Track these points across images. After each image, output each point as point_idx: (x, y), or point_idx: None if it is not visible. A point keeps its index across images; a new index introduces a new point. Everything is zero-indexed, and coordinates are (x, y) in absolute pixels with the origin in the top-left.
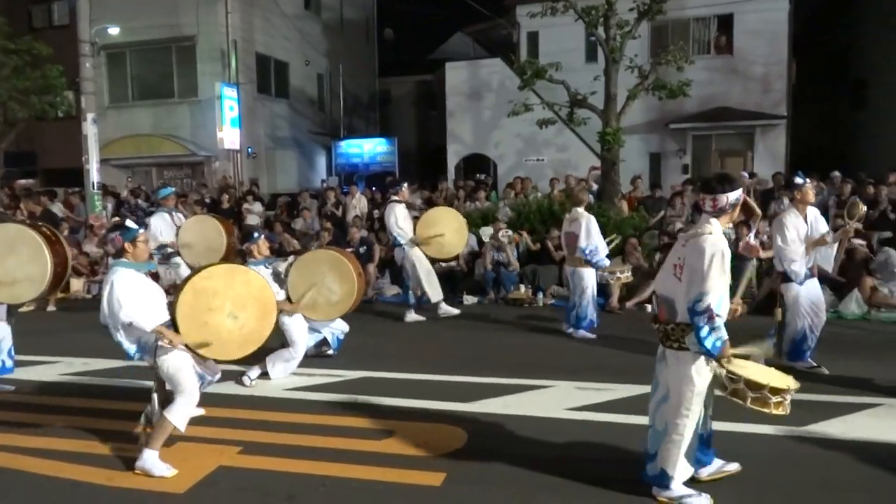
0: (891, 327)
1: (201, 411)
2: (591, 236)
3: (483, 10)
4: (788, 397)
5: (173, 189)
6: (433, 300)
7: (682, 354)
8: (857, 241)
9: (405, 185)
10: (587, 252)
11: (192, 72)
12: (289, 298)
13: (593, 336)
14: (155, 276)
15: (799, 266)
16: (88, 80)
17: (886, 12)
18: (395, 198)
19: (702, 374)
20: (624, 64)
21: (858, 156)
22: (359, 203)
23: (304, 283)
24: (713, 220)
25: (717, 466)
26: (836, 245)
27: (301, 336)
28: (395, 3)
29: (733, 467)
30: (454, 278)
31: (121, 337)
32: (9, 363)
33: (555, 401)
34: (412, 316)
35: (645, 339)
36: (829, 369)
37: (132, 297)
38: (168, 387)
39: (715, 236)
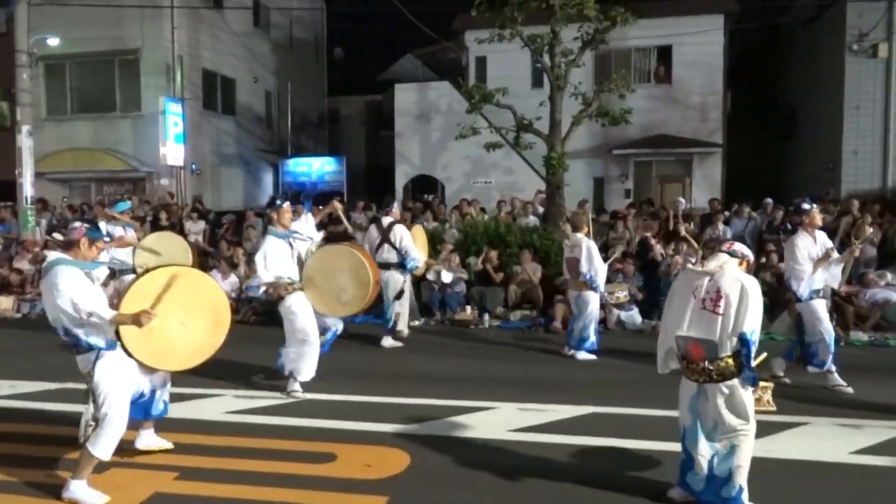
0: None
1: (167, 444)
2: (593, 261)
3: (433, 33)
4: (768, 393)
5: (131, 204)
6: (402, 328)
7: (731, 385)
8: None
9: (395, 203)
10: (589, 277)
11: (135, 85)
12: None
13: (594, 357)
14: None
15: (804, 286)
16: (25, 92)
17: (810, 49)
18: (389, 218)
19: (749, 404)
20: (568, 91)
21: (789, 183)
22: (308, 222)
23: (324, 278)
24: (731, 257)
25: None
26: (842, 265)
27: (309, 322)
28: (346, 23)
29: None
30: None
31: (84, 334)
32: None
33: (498, 422)
34: (389, 341)
35: (587, 362)
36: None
37: (82, 290)
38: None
39: (743, 271)
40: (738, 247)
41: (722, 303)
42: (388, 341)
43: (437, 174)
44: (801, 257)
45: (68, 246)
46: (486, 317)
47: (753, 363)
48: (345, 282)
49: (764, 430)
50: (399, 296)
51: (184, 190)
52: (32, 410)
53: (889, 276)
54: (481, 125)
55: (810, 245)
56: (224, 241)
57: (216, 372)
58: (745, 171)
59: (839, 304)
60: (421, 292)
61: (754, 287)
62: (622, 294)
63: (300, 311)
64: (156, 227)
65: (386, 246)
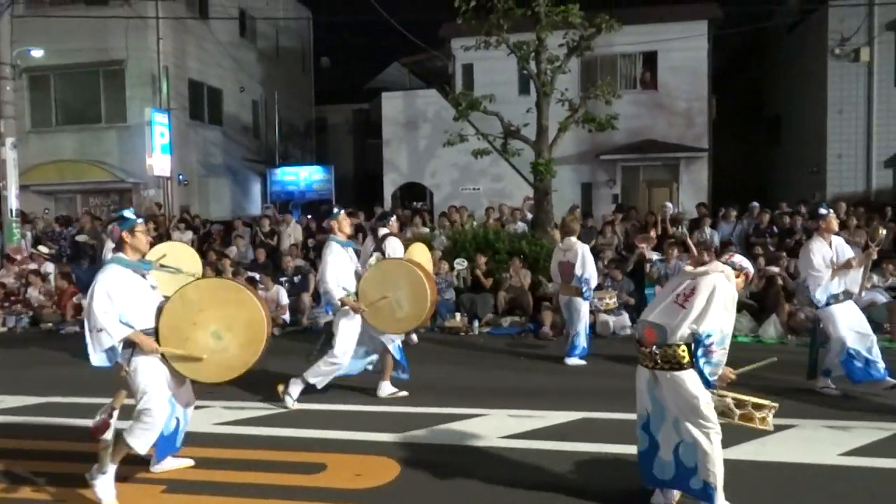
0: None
1: (188, 461)
2: (587, 265)
3: (419, 42)
4: (770, 413)
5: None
6: (413, 336)
7: (677, 375)
8: (773, 269)
9: (394, 217)
10: (583, 281)
11: (120, 97)
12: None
13: (584, 363)
14: None
15: (822, 292)
16: (8, 104)
17: (794, 54)
18: (385, 230)
19: (697, 389)
20: (555, 97)
21: (775, 188)
22: (294, 231)
23: (377, 290)
24: (724, 266)
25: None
26: (861, 269)
27: (349, 343)
28: (332, 32)
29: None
30: None
31: (91, 340)
32: None
33: (488, 429)
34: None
35: (577, 367)
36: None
37: (114, 299)
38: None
39: (727, 278)
40: (738, 259)
41: (691, 298)
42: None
43: (426, 181)
44: (818, 263)
45: (119, 247)
46: (476, 323)
47: (734, 373)
48: (402, 298)
49: (755, 433)
50: None
51: (171, 201)
52: (16, 424)
53: (875, 278)
54: (469, 132)
55: (826, 250)
56: (212, 251)
57: (202, 383)
58: (731, 176)
59: None
60: None
61: (727, 293)
62: (611, 300)
63: (351, 332)
64: None
65: (377, 255)
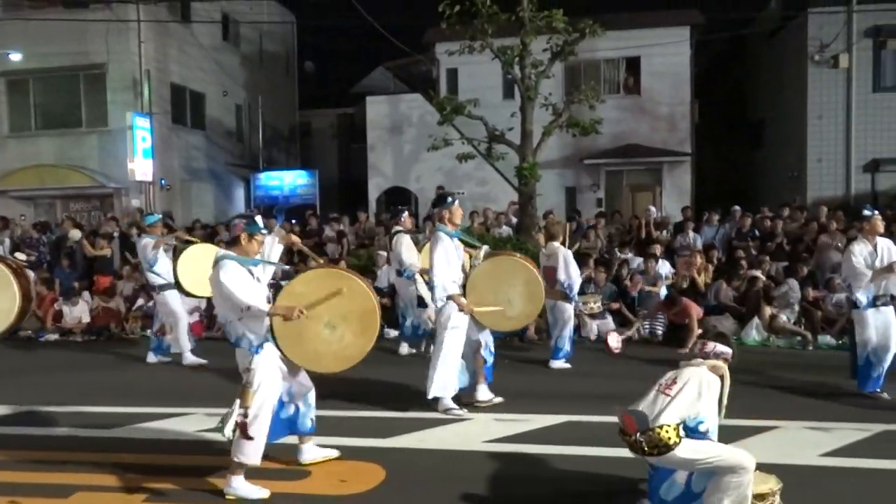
0: (787, 352)
1: (333, 453)
2: (570, 270)
3: (403, 46)
4: (776, 498)
5: (160, 216)
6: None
7: (669, 456)
8: (754, 272)
9: (406, 213)
10: (566, 285)
11: (101, 101)
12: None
13: (569, 366)
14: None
15: (863, 294)
16: None
17: (774, 60)
18: (399, 227)
19: (698, 448)
20: (539, 102)
21: (757, 191)
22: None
23: (491, 288)
24: (702, 361)
25: None
26: None
27: (461, 340)
28: (317, 36)
29: None
30: None
31: (243, 328)
32: None
33: (473, 433)
34: (406, 349)
35: (562, 371)
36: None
37: (241, 284)
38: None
39: (703, 367)
40: (711, 347)
41: (674, 387)
42: (404, 349)
43: (411, 186)
44: (858, 264)
45: (232, 243)
46: None
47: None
48: (514, 295)
49: (736, 435)
50: (421, 303)
51: (153, 206)
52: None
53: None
54: (453, 136)
55: (868, 252)
56: None
57: (187, 389)
58: (713, 180)
59: (807, 309)
60: (396, 305)
61: (707, 383)
62: (595, 304)
63: (456, 322)
64: (124, 243)
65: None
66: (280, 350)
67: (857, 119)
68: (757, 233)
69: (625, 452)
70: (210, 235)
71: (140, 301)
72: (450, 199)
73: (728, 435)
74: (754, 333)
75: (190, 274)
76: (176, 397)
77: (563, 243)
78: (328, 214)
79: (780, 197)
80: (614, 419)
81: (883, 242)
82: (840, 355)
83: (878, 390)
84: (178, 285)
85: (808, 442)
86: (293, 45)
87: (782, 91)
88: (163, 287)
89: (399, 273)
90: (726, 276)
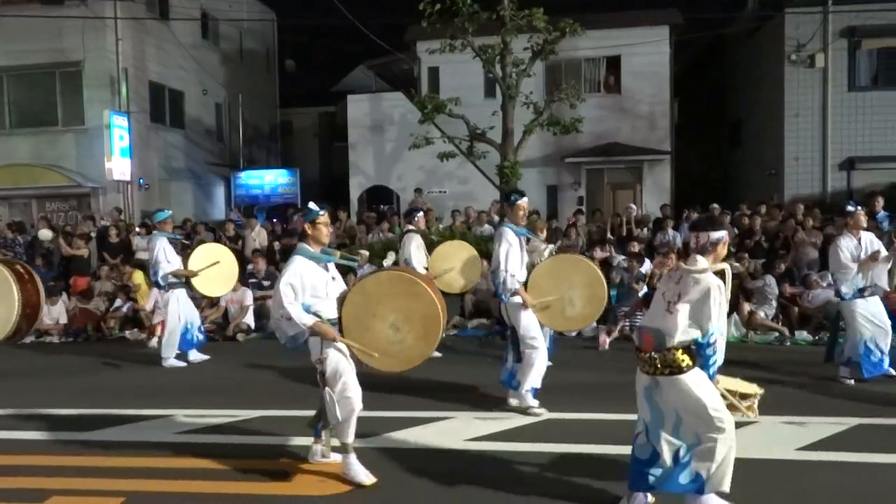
0: (765, 347)
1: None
2: None
3: (385, 44)
4: (756, 402)
5: (170, 213)
6: None
7: (676, 378)
8: (736, 265)
9: (420, 213)
10: None
11: (77, 99)
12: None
13: (550, 363)
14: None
15: (847, 286)
16: None
17: (752, 59)
18: (411, 227)
19: (700, 383)
20: (520, 100)
21: (736, 189)
22: (258, 236)
23: (552, 286)
24: (699, 258)
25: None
26: (888, 264)
27: (534, 325)
28: (297, 35)
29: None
30: None
31: (282, 325)
32: None
33: (454, 432)
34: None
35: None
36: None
37: (298, 289)
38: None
39: (707, 273)
40: (704, 239)
41: (680, 305)
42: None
43: (392, 185)
44: (844, 258)
45: (301, 237)
46: None
47: (740, 387)
48: (575, 296)
49: None
50: None
51: (131, 205)
52: None
53: (830, 277)
54: (435, 135)
55: (853, 246)
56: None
57: (165, 391)
58: (693, 178)
59: (784, 305)
60: None
61: (712, 289)
62: None
63: (531, 317)
64: (101, 243)
65: (553, 249)
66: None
67: (833, 118)
68: (735, 230)
69: (606, 448)
70: (188, 236)
71: (118, 302)
72: (513, 196)
73: None
74: (733, 329)
75: (201, 274)
76: (154, 399)
77: (546, 240)
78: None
79: (758, 195)
80: (595, 416)
81: (866, 236)
82: (816, 351)
83: (891, 371)
84: (188, 284)
85: (785, 436)
86: (274, 43)
87: (760, 90)
88: (172, 286)
89: None
90: None
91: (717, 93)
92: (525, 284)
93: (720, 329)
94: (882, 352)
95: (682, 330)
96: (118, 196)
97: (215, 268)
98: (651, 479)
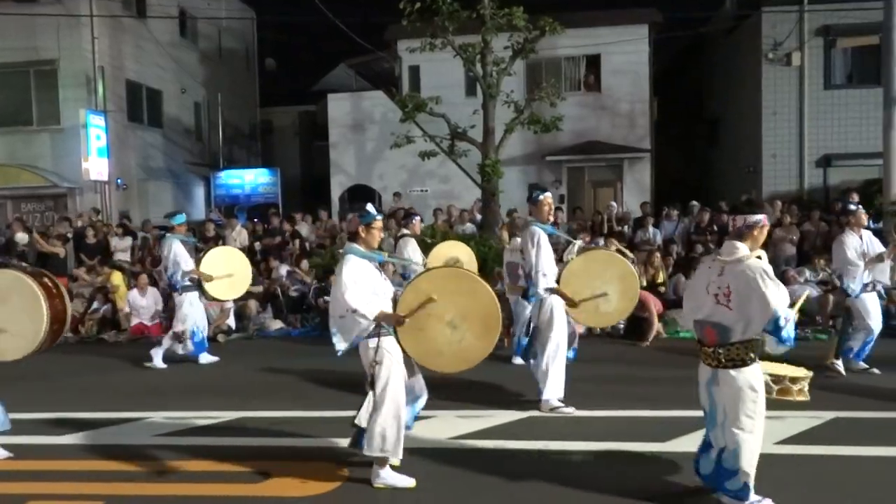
0: None
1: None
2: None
3: (365, 43)
4: (806, 384)
5: (184, 217)
6: None
7: (739, 372)
8: None
9: (417, 218)
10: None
11: (53, 98)
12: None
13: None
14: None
15: (856, 283)
16: None
17: (730, 58)
18: (406, 231)
19: (757, 379)
20: (501, 99)
21: (714, 187)
22: (238, 236)
23: (585, 283)
24: (738, 244)
25: None
26: (889, 260)
27: (564, 331)
28: (277, 33)
29: None
30: None
31: (336, 328)
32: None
33: (437, 430)
34: None
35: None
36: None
37: (359, 284)
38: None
39: (750, 258)
40: (741, 222)
41: (732, 297)
42: None
43: (374, 184)
44: (851, 256)
45: (352, 238)
46: None
47: (790, 371)
48: (609, 292)
49: (693, 426)
50: None
51: (109, 206)
52: None
53: (807, 272)
54: (416, 134)
55: (857, 243)
56: (151, 256)
57: (144, 393)
58: (673, 176)
59: None
60: None
61: (760, 275)
62: None
63: (560, 319)
64: (79, 244)
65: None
66: (400, 345)
67: (810, 116)
68: (715, 227)
69: (587, 445)
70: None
71: (96, 304)
72: (535, 192)
73: (685, 426)
74: None
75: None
76: (133, 401)
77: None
78: (291, 213)
79: (736, 192)
80: (575, 413)
81: (867, 234)
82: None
83: (862, 364)
84: (200, 288)
85: (764, 431)
86: (253, 42)
87: (738, 88)
88: (185, 288)
89: (403, 276)
90: (685, 270)
91: (695, 91)
92: (556, 282)
93: (783, 307)
94: (856, 345)
95: (746, 324)
96: (95, 196)
97: (229, 272)
98: (701, 465)
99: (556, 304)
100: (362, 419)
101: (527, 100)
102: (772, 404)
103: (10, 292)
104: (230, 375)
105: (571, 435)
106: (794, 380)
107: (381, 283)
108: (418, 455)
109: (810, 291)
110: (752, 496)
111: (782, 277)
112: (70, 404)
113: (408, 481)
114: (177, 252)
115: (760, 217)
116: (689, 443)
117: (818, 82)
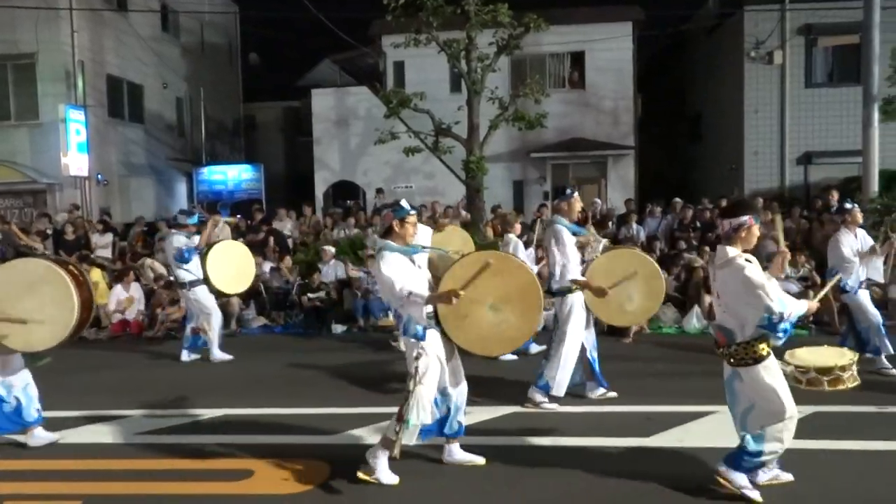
0: None
1: (479, 459)
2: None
3: (349, 39)
4: (855, 368)
5: (199, 215)
6: None
7: (752, 368)
8: (694, 258)
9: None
10: None
11: (31, 92)
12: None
13: (516, 357)
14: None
15: (854, 280)
16: None
17: (713, 56)
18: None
19: (770, 371)
20: (485, 95)
21: (697, 183)
22: (222, 232)
23: (608, 275)
24: (727, 248)
25: (773, 474)
26: (883, 257)
27: (581, 330)
28: (261, 28)
29: (787, 477)
30: (322, 308)
31: (411, 309)
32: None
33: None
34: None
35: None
36: (671, 382)
37: (402, 272)
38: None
39: (737, 260)
40: (727, 226)
41: (725, 299)
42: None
43: (358, 180)
44: (848, 253)
45: (387, 233)
46: None
47: (815, 301)
48: (633, 290)
49: (676, 420)
50: None
51: (89, 202)
52: None
53: (788, 269)
54: (400, 130)
55: (853, 241)
56: (133, 253)
57: (122, 391)
58: (656, 172)
59: None
60: (343, 300)
61: (744, 275)
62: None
63: (579, 316)
64: (58, 241)
65: (608, 243)
66: (447, 335)
67: (791, 113)
68: (698, 224)
69: (569, 441)
70: (149, 232)
71: None
72: (568, 191)
73: (668, 421)
74: (695, 321)
75: (219, 271)
76: (113, 399)
77: (518, 235)
78: (275, 209)
79: (718, 189)
80: (560, 408)
81: (861, 232)
82: None
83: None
84: (207, 283)
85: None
86: (236, 37)
87: (720, 86)
88: (193, 283)
89: None
90: (668, 266)
91: (677, 89)
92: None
93: (781, 301)
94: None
95: (742, 325)
96: (75, 192)
97: (233, 265)
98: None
99: (577, 302)
100: (420, 417)
101: (511, 96)
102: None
103: (41, 282)
104: (213, 372)
105: (555, 431)
106: (843, 368)
107: (418, 276)
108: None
109: (836, 279)
110: (742, 479)
111: None
112: (49, 402)
113: (392, 479)
114: (178, 248)
115: (745, 219)
116: (670, 438)
117: (799, 80)
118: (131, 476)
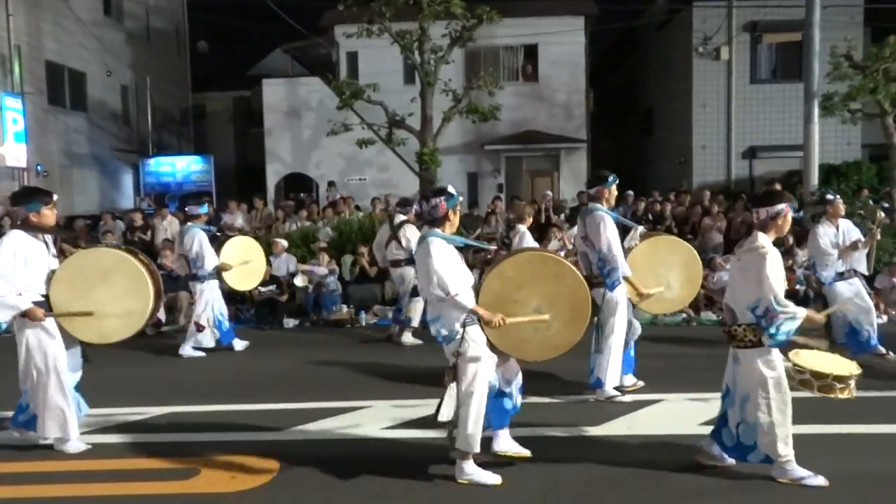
0: (673, 328)
1: (525, 451)
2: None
3: (301, 28)
4: (852, 382)
5: (207, 207)
6: (415, 324)
7: (749, 351)
8: None
9: (415, 205)
10: None
11: None
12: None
13: None
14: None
15: (828, 271)
16: None
17: (663, 51)
18: (404, 217)
19: (772, 364)
20: (439, 87)
21: (649, 177)
22: (170, 225)
23: (649, 270)
24: (759, 234)
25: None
26: (865, 249)
27: (622, 321)
28: (210, 15)
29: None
30: (274, 301)
31: (436, 314)
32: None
33: (371, 421)
34: (409, 338)
35: None
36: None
37: (451, 267)
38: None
39: (761, 250)
40: (763, 215)
41: (737, 280)
42: (408, 338)
43: (311, 172)
44: (824, 245)
45: (435, 223)
46: (363, 315)
47: (797, 340)
48: (672, 278)
49: (626, 409)
50: (415, 292)
51: None
52: None
53: (733, 260)
54: (353, 121)
55: (832, 233)
56: (78, 248)
57: (104, 389)
58: (608, 165)
59: None
60: (296, 294)
61: (764, 263)
62: None
63: (623, 308)
64: None
65: (394, 243)
66: (485, 335)
67: (737, 108)
68: (650, 216)
69: (528, 431)
70: (93, 225)
71: None
72: (611, 177)
73: (617, 410)
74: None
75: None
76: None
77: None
78: (226, 202)
79: (668, 181)
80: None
81: (844, 223)
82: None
83: (882, 351)
84: (219, 278)
85: (689, 412)
86: (184, 23)
87: (670, 81)
88: (205, 278)
89: (408, 262)
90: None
91: (628, 84)
92: None
93: (777, 302)
94: (868, 330)
95: (747, 307)
96: (13, 184)
97: (245, 261)
98: (724, 437)
99: (621, 293)
100: (444, 414)
101: (465, 88)
102: (700, 387)
103: (114, 272)
104: (156, 369)
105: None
106: (839, 378)
107: (465, 270)
108: (347, 446)
109: (847, 302)
110: (799, 470)
111: (710, 264)
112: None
113: (493, 478)
114: (202, 242)
115: (782, 207)
116: (620, 426)
117: (745, 76)
118: (72, 478)
